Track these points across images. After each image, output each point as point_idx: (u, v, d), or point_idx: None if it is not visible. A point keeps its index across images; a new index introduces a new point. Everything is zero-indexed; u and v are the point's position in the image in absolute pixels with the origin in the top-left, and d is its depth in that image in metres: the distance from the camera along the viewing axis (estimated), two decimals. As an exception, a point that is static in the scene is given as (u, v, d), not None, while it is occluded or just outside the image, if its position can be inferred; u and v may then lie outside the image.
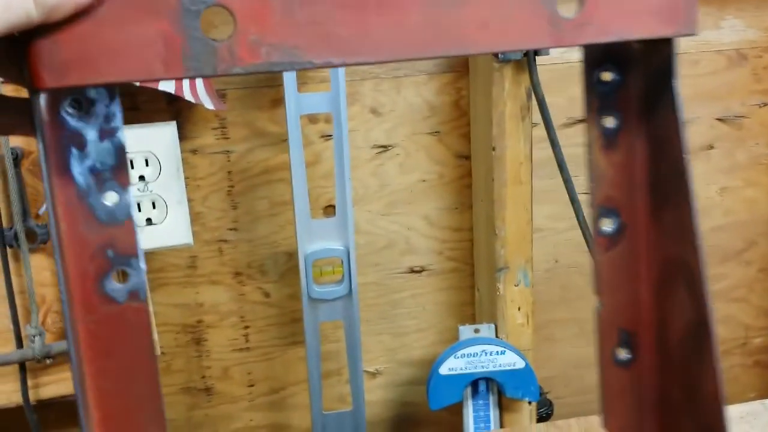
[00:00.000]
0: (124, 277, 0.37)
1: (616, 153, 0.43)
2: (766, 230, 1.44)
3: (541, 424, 0.87)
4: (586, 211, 1.13)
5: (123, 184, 0.34)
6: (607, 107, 0.43)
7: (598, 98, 0.43)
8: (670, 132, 0.40)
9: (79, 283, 0.36)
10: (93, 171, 0.34)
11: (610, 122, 0.43)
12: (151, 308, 1.19)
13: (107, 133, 0.33)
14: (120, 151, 0.34)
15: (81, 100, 0.32)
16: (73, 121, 0.32)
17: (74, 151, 0.33)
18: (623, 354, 0.45)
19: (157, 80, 0.29)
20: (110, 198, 0.34)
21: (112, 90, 0.33)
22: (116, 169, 0.34)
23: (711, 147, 1.37)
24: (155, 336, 1.20)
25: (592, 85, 0.43)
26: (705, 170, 1.38)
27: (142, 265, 0.36)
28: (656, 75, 0.41)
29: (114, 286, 0.37)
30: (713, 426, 0.40)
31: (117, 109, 0.33)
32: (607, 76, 0.42)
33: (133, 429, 0.38)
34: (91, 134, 0.33)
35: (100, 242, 0.36)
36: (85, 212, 0.35)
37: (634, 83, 0.42)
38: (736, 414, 0.84)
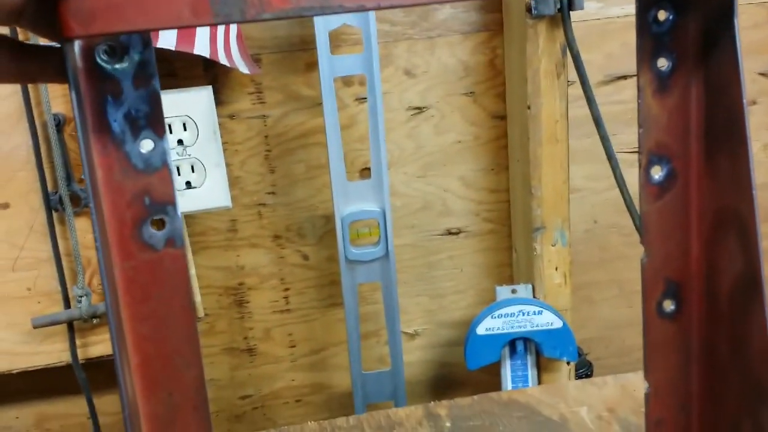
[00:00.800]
0: (161, 224, 0.38)
1: (670, 97, 0.42)
2: (811, 187, 1.41)
3: (578, 381, 0.87)
4: (624, 170, 1.12)
5: (158, 132, 0.35)
6: (661, 49, 0.41)
7: (652, 39, 0.41)
8: (728, 74, 0.39)
9: (116, 230, 0.37)
10: (128, 118, 0.35)
11: (663, 64, 0.41)
12: (193, 271, 1.21)
13: (142, 80, 0.34)
14: (155, 98, 0.35)
15: (115, 47, 0.33)
16: (108, 68, 0.33)
17: (109, 98, 0.34)
18: (669, 306, 0.44)
19: (186, 27, 0.30)
20: (146, 145, 0.35)
21: (146, 37, 0.34)
22: (151, 116, 0.35)
23: (754, 102, 1.34)
24: (198, 298, 1.23)
25: (646, 25, 0.41)
26: (748, 127, 1.35)
27: (179, 212, 0.37)
28: (715, 14, 0.39)
29: (151, 232, 0.38)
30: (761, 380, 0.39)
31: (151, 56, 0.34)
32: (663, 15, 0.41)
33: (171, 373, 0.39)
34: (126, 81, 0.34)
35: (137, 190, 0.37)
36: (121, 159, 0.36)
37: (690, 23, 0.41)
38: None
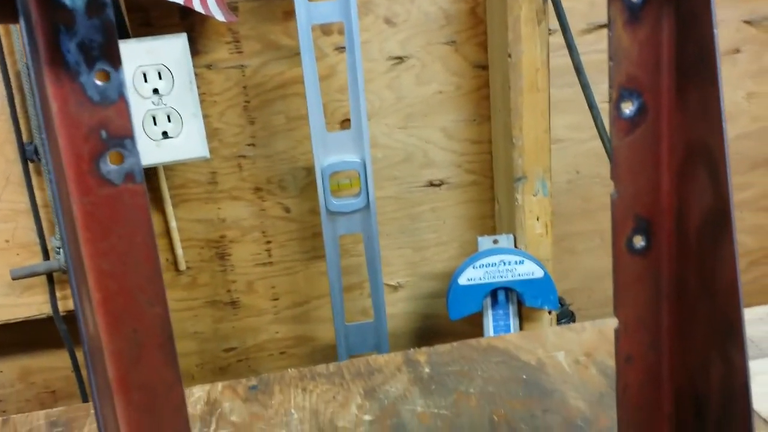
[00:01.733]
0: (119, 158, 0.37)
1: (641, 29, 0.41)
2: (793, 137, 1.41)
3: (556, 327, 0.88)
4: (606, 119, 1.11)
5: (113, 63, 0.34)
6: None
7: None
8: (700, 4, 0.38)
9: (73, 164, 0.36)
10: (82, 48, 0.34)
11: None
12: (174, 224, 1.21)
13: (95, 8, 0.33)
14: (109, 27, 0.34)
15: (67, -26, 0.32)
16: (60, -4, 0.32)
17: (62, 28, 0.33)
18: (639, 242, 0.44)
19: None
20: (101, 77, 0.34)
21: (98, -36, 0.33)
22: (106, 46, 0.34)
23: (737, 51, 1.33)
24: (180, 251, 1.23)
25: None
26: (731, 75, 1.34)
27: (137, 146, 0.37)
28: None
29: (109, 167, 0.37)
30: (729, 313, 0.39)
31: (104, -17, 0.33)
32: None
33: (135, 310, 0.39)
34: (78, 10, 0.33)
35: (93, 123, 0.36)
36: (76, 91, 0.35)
37: None
38: (756, 315, 0.84)
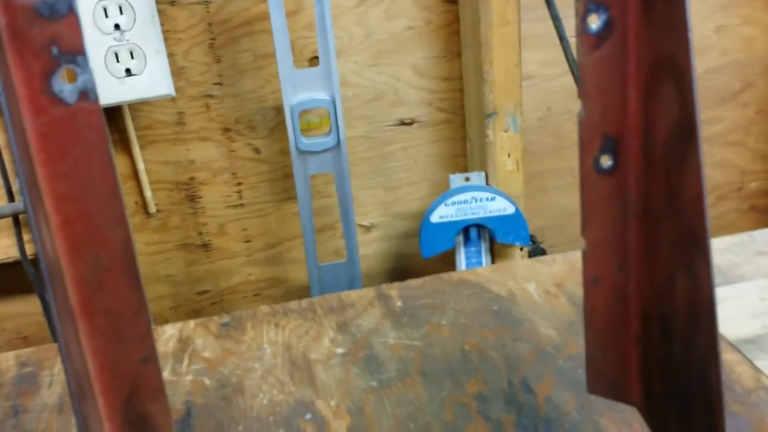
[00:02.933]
0: (72, 76, 0.36)
1: None
2: (763, 70, 1.42)
3: (527, 260, 0.88)
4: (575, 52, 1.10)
5: None
6: None
7: None
8: None
9: (24, 83, 0.35)
10: None
11: None
12: (142, 165, 1.19)
13: None
14: None
15: None
16: None
17: (1, -69, 0.31)
18: (606, 161, 0.44)
19: None
20: None
21: None
22: None
23: (707, -16, 1.32)
24: (149, 193, 1.21)
25: None
26: (700, 8, 1.33)
27: (90, 63, 0.35)
28: None
29: (62, 86, 0.36)
30: (695, 228, 0.39)
31: None
32: None
33: (96, 234, 0.38)
34: None
35: (44, 39, 0.34)
36: (24, 5, 0.33)
37: None
38: (723, 245, 0.85)
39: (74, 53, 0.35)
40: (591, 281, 0.48)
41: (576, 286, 0.78)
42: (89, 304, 0.39)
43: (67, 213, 0.37)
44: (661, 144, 0.41)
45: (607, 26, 0.41)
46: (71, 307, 0.38)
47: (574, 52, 1.09)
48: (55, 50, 0.35)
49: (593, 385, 0.50)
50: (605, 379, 0.49)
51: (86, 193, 0.38)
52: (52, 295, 0.36)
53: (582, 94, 0.43)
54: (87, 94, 0.36)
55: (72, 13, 0.34)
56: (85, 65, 0.35)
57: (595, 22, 0.41)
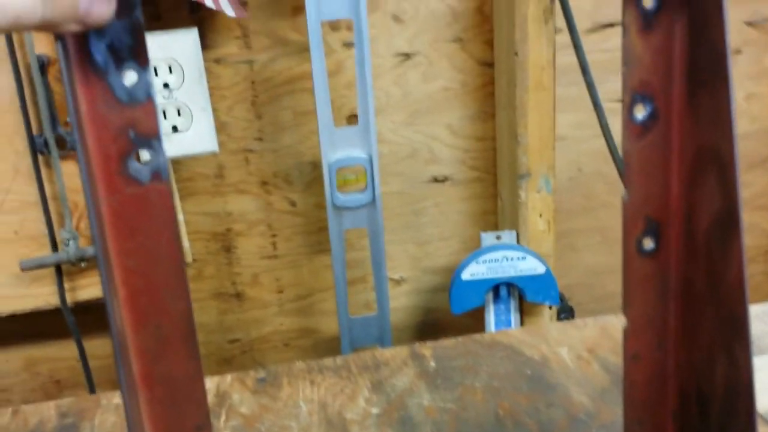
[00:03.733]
0: (146, 158, 0.38)
1: (654, 35, 0.41)
2: (794, 137, 1.43)
3: (559, 323, 0.89)
4: (609, 118, 1.12)
5: (142, 63, 0.35)
6: None
7: None
8: (712, 13, 0.38)
9: (101, 164, 0.37)
10: (111, 49, 0.35)
11: (648, 2, 0.41)
12: (181, 216, 1.22)
13: (124, 10, 0.34)
14: (137, 29, 0.35)
15: (97, -23, 0.33)
16: (89, -1, 0.33)
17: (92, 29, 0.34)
18: (649, 243, 0.45)
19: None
20: (129, 77, 0.35)
21: (128, -34, 0.33)
22: (134, 47, 0.35)
23: (738, 52, 1.34)
24: (186, 243, 1.24)
25: None
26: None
27: (163, 145, 0.37)
28: None
29: (137, 166, 0.38)
30: (736, 313, 0.40)
31: (133, -15, 0.34)
32: None
33: (159, 306, 0.40)
34: (108, 11, 0.34)
35: (121, 123, 0.37)
36: (105, 92, 0.36)
37: None
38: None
39: (150, 136, 0.37)
40: (631, 357, 0.49)
41: (609, 353, 0.79)
42: (150, 373, 0.41)
43: (134, 286, 0.39)
44: (704, 230, 0.42)
45: (652, 116, 0.43)
46: (133, 376, 0.40)
47: (608, 118, 1.11)
48: (131, 134, 0.37)
49: None
50: (642, 454, 0.50)
51: (153, 267, 0.40)
52: (120, 367, 0.37)
53: (626, 178, 0.44)
54: (159, 174, 0.38)
55: (150, 99, 0.37)
56: (159, 148, 0.38)
57: (640, 112, 0.43)
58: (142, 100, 0.36)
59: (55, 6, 0.30)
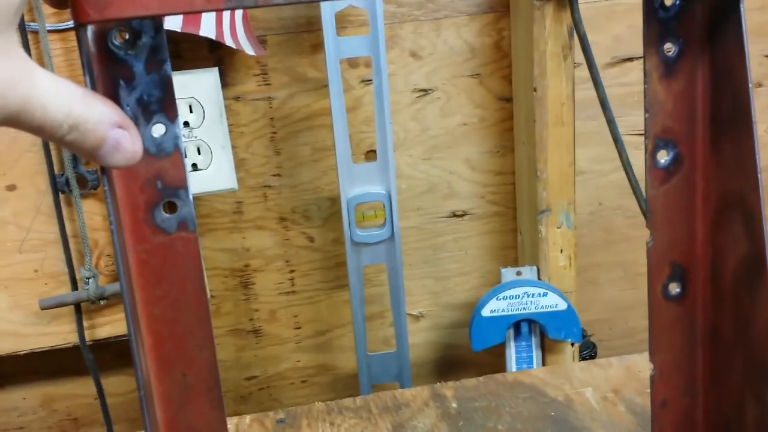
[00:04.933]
0: (173, 208, 0.38)
1: (676, 82, 0.42)
2: (816, 170, 1.41)
3: (582, 363, 0.88)
4: (630, 152, 1.11)
5: (170, 116, 0.35)
6: (667, 34, 0.41)
7: (659, 24, 0.41)
8: (734, 58, 0.38)
9: (129, 213, 0.37)
10: (140, 103, 0.35)
11: (670, 49, 0.41)
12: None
13: (154, 65, 0.34)
14: (167, 82, 0.35)
15: (127, 32, 0.33)
16: (120, 53, 0.34)
17: (122, 83, 0.34)
18: (675, 288, 0.45)
19: (198, 12, 0.30)
20: (158, 130, 0.36)
21: (158, 22, 0.34)
22: (163, 101, 0.35)
23: (760, 85, 1.33)
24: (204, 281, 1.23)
25: (652, 11, 0.41)
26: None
27: (190, 196, 0.37)
28: None
29: (164, 216, 0.38)
30: (765, 358, 0.39)
31: (162, 40, 0.34)
32: (669, 0, 0.41)
33: (184, 354, 0.40)
34: (138, 66, 0.34)
35: (149, 174, 0.37)
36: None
37: (697, 7, 0.41)
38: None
39: (177, 187, 0.37)
40: (659, 405, 0.48)
41: (634, 394, 0.77)
42: (173, 422, 0.40)
43: (160, 333, 0.39)
44: (730, 275, 0.42)
45: (676, 162, 0.43)
46: (158, 424, 0.40)
47: (628, 152, 1.10)
48: (159, 184, 0.37)
49: None
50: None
51: (178, 315, 0.39)
52: (146, 415, 0.37)
53: (651, 224, 0.44)
54: (186, 224, 0.38)
55: (177, 151, 0.37)
56: (186, 198, 0.38)
57: (664, 158, 0.43)
58: (170, 151, 0.37)
59: (82, 135, 0.30)
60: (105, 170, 0.36)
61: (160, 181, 0.37)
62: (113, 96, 0.34)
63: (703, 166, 0.43)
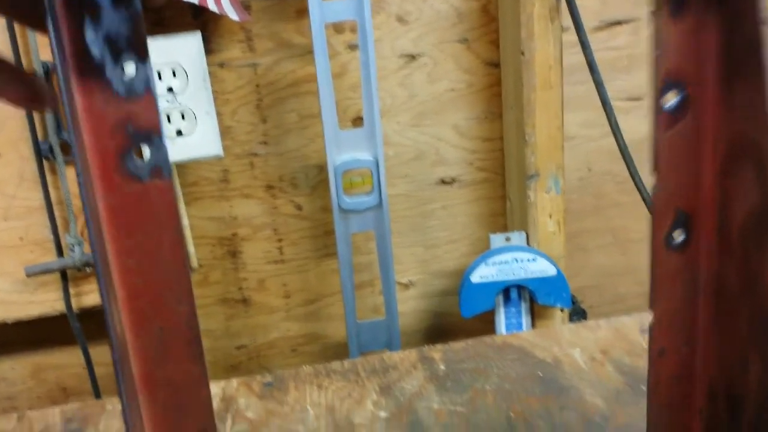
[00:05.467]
0: (146, 154, 0.37)
1: (686, 19, 0.39)
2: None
3: (571, 325, 0.88)
4: (619, 117, 1.11)
5: (141, 55, 0.34)
6: None
7: None
8: None
9: (99, 160, 0.36)
10: (108, 41, 0.33)
11: None
12: (186, 221, 1.21)
13: (122, -1, 0.33)
14: (136, 19, 0.33)
15: (92, -36, 0.32)
16: (84, -13, 0.32)
17: (87, 20, 0.33)
18: (678, 236, 0.43)
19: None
20: (128, 70, 0.34)
21: (126, -47, 0.32)
22: (133, 38, 0.33)
23: None
24: (192, 249, 1.23)
25: None
26: None
27: (165, 141, 0.36)
28: None
29: (136, 163, 0.36)
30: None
31: (131, -27, 0.32)
32: None
33: (161, 308, 0.39)
34: (105, 1, 0.33)
35: (119, 117, 0.35)
36: (101, 85, 0.34)
37: None
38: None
39: (149, 131, 0.36)
40: (657, 353, 0.47)
41: (623, 354, 0.77)
42: (151, 377, 0.40)
43: (134, 287, 0.38)
44: (738, 226, 0.41)
45: (684, 105, 0.41)
46: (134, 380, 0.39)
47: (617, 117, 1.10)
48: (130, 128, 0.36)
49: None
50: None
51: (154, 267, 0.38)
52: (120, 373, 0.36)
53: (656, 168, 0.42)
54: (160, 171, 0.37)
55: (149, 92, 0.35)
56: (159, 143, 0.36)
57: (671, 100, 0.41)
58: (141, 93, 0.35)
59: None
60: (72, 115, 0.34)
61: (131, 125, 0.35)
62: (78, 34, 0.33)
63: (712, 109, 0.40)
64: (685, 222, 0.43)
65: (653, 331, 0.46)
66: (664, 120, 0.41)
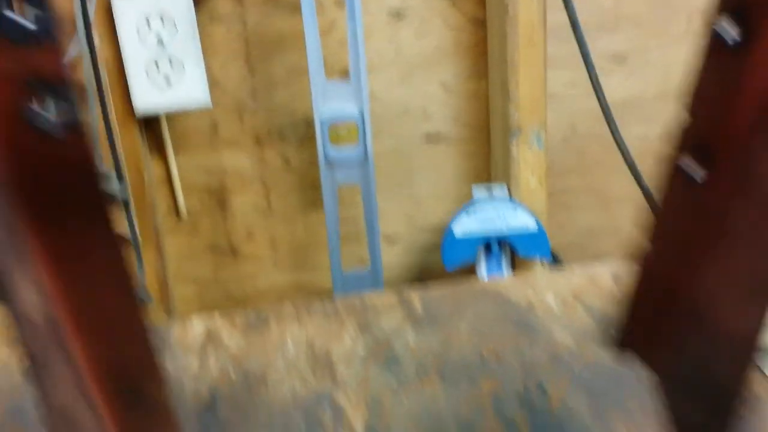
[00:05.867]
0: (52, 107, 0.32)
1: None
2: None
3: (546, 272, 0.90)
4: (601, 77, 1.11)
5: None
6: None
7: None
8: None
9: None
10: None
11: None
12: (175, 171, 1.23)
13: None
14: None
15: None
16: None
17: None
18: (696, 170, 0.40)
19: None
20: (27, 13, 0.30)
21: None
22: None
23: None
24: (181, 198, 1.25)
25: None
26: None
27: (72, 94, 0.32)
28: None
29: (41, 117, 0.32)
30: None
31: None
32: None
33: (97, 289, 0.36)
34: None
35: (18, 68, 0.31)
36: None
37: None
38: None
39: (53, 83, 0.32)
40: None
41: (594, 298, 0.80)
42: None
43: (60, 264, 0.35)
44: (759, 177, 0.38)
45: (742, 37, 0.36)
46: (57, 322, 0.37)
47: (599, 76, 1.11)
48: (31, 80, 0.32)
49: (619, 342, 0.49)
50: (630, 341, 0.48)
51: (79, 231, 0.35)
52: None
53: (690, 97, 0.40)
54: (72, 126, 0.33)
55: (51, 41, 0.31)
56: (66, 96, 0.32)
57: (728, 31, 0.36)
58: (41, 40, 0.30)
59: None
60: None
61: (33, 76, 0.31)
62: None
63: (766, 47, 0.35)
64: (705, 155, 0.40)
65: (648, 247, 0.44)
66: (715, 48, 0.37)
